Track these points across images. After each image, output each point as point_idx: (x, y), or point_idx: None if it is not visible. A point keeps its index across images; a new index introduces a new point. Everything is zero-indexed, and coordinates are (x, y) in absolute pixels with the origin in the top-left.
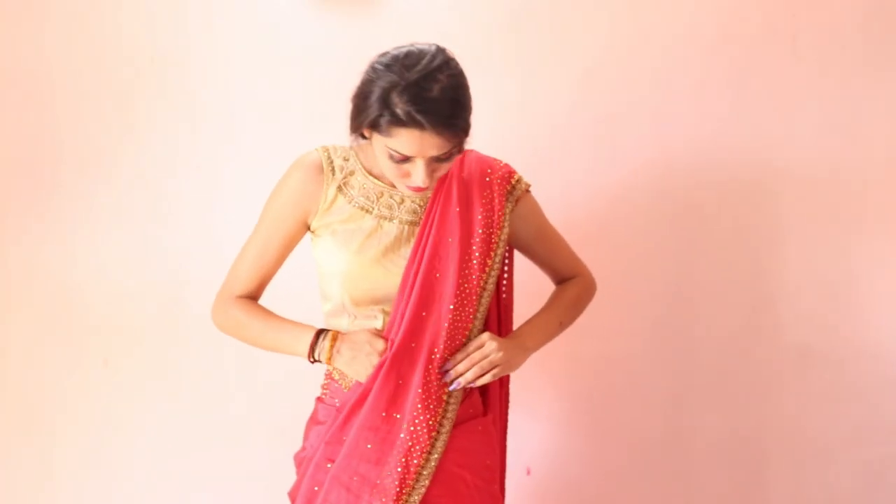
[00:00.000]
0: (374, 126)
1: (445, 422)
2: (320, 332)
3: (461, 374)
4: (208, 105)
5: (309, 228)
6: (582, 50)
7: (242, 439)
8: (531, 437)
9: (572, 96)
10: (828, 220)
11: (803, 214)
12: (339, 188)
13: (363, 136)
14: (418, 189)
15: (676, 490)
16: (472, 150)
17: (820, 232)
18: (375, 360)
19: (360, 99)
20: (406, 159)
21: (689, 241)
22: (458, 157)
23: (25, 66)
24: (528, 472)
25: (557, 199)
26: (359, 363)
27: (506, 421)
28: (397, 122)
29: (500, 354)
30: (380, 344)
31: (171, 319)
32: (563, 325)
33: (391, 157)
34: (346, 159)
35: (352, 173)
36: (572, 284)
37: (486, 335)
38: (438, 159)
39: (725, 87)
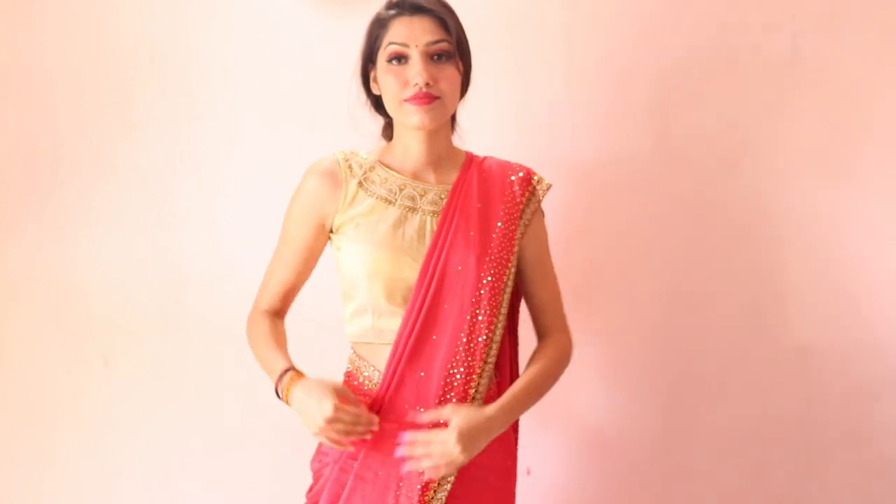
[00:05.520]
0: (374, 44)
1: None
2: (286, 371)
3: (415, 457)
4: (208, 105)
5: (331, 232)
6: (581, 49)
7: (243, 439)
8: (531, 437)
9: (571, 95)
10: (829, 218)
11: (804, 213)
12: (360, 183)
13: (375, 104)
14: (420, 99)
15: (677, 490)
16: (490, 157)
17: (821, 231)
18: (319, 422)
19: (363, 45)
20: (404, 58)
21: (688, 240)
22: (477, 160)
23: (25, 65)
24: (529, 472)
25: (557, 198)
26: (306, 416)
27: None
28: (387, 19)
29: (462, 457)
30: (328, 408)
31: (171, 319)
32: (539, 397)
33: (389, 62)
34: (364, 157)
35: (371, 168)
36: (552, 351)
37: (453, 434)
38: (434, 56)
39: (726, 86)
